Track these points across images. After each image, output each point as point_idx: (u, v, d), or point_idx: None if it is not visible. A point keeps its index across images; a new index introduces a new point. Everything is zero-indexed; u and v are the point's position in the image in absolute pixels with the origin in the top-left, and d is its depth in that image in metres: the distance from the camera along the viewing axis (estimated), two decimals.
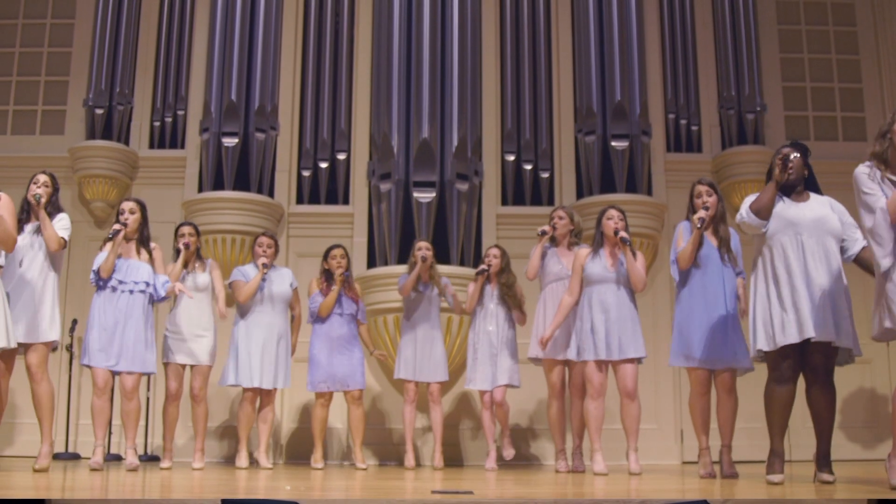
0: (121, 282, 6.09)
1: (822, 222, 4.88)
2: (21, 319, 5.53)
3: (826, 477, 4.73)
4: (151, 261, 6.26)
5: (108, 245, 6.13)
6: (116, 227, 6.08)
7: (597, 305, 6.12)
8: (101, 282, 6.09)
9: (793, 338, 4.73)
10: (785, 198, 4.99)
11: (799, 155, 4.97)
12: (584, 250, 6.33)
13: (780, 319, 4.79)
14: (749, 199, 5.03)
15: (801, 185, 5.03)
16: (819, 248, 4.82)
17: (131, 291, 6.11)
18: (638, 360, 6.14)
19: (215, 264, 6.83)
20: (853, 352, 4.85)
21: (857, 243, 4.97)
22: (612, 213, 6.26)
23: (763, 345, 4.87)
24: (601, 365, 6.09)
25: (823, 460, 4.82)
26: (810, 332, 4.68)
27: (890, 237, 4.29)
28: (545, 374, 6.65)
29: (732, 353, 5.61)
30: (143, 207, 6.30)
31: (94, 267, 6.11)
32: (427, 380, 7.08)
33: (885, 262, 4.30)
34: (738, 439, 5.88)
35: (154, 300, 6.24)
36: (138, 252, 6.24)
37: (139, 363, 6.11)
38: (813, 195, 5.04)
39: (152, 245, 6.31)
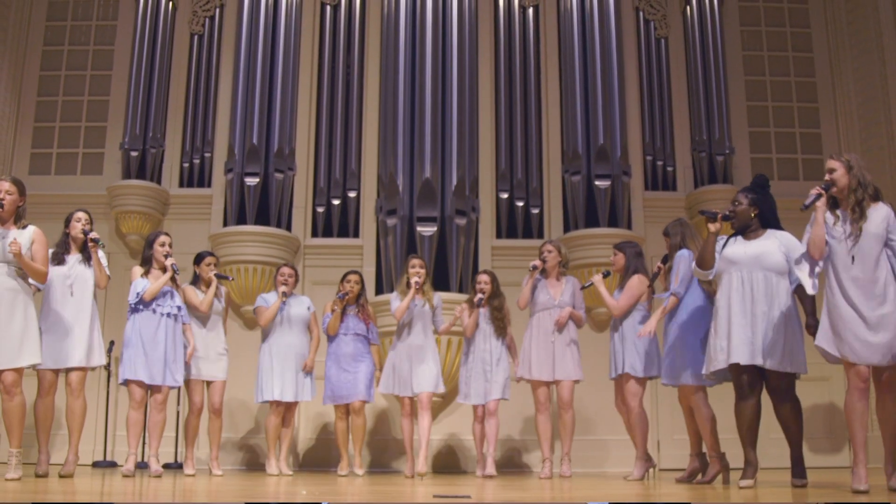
0: (157, 306, 6.27)
1: (760, 258, 4.91)
2: (78, 346, 5.68)
3: (798, 481, 4.76)
4: (176, 286, 6.46)
5: (149, 274, 6.34)
6: (174, 264, 6.34)
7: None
8: (142, 305, 6.24)
9: (721, 363, 4.87)
10: (739, 237, 5.04)
11: (747, 203, 5.02)
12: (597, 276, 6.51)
13: (714, 347, 4.93)
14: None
15: (753, 225, 5.04)
16: (759, 282, 4.87)
17: (164, 314, 6.28)
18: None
19: (222, 291, 6.84)
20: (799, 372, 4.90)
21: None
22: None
23: (705, 368, 5.03)
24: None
25: (796, 466, 4.85)
26: (737, 359, 4.79)
27: (805, 267, 4.45)
28: (532, 391, 6.67)
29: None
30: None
31: (138, 290, 6.26)
32: (418, 391, 6.64)
33: (808, 290, 4.49)
34: (722, 448, 5.79)
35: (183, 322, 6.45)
36: (173, 281, 6.43)
37: (170, 379, 6.30)
38: (769, 231, 5.04)
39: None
